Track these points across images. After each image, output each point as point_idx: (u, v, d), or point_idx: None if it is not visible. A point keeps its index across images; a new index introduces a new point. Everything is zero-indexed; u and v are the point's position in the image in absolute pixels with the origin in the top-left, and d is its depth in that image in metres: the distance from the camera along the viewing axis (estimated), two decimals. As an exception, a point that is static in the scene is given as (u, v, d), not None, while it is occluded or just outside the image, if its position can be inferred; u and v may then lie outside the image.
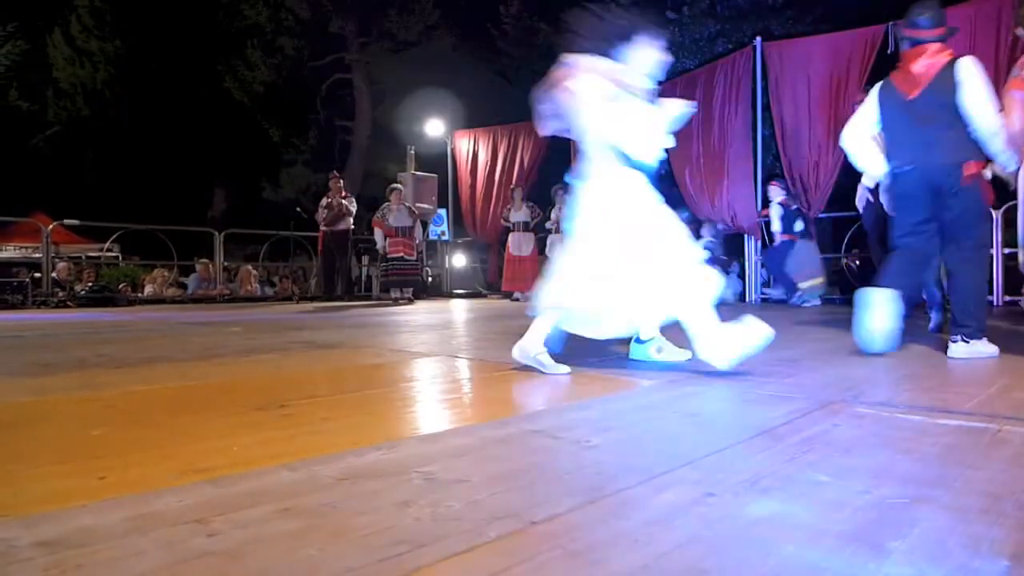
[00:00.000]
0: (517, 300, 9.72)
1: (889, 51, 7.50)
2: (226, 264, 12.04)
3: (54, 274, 10.10)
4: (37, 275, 10.26)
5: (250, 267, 12.39)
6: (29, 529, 0.96)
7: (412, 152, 12.54)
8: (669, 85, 9.78)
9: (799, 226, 7.95)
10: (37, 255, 11.90)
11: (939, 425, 1.62)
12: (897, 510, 1.04)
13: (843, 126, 7.86)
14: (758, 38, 8.75)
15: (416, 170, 12.13)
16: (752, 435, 1.52)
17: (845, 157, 8.03)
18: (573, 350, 3.34)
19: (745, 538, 0.92)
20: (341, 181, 10.07)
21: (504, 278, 10.23)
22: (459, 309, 7.89)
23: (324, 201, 9.91)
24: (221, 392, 2.17)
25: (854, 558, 0.86)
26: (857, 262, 11.45)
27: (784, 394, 2.03)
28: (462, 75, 17.56)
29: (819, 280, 7.92)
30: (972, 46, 6.92)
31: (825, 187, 8.10)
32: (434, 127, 13.07)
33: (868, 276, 11.48)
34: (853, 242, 9.16)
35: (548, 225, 9.86)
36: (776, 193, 8.01)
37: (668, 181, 10.18)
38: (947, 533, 0.94)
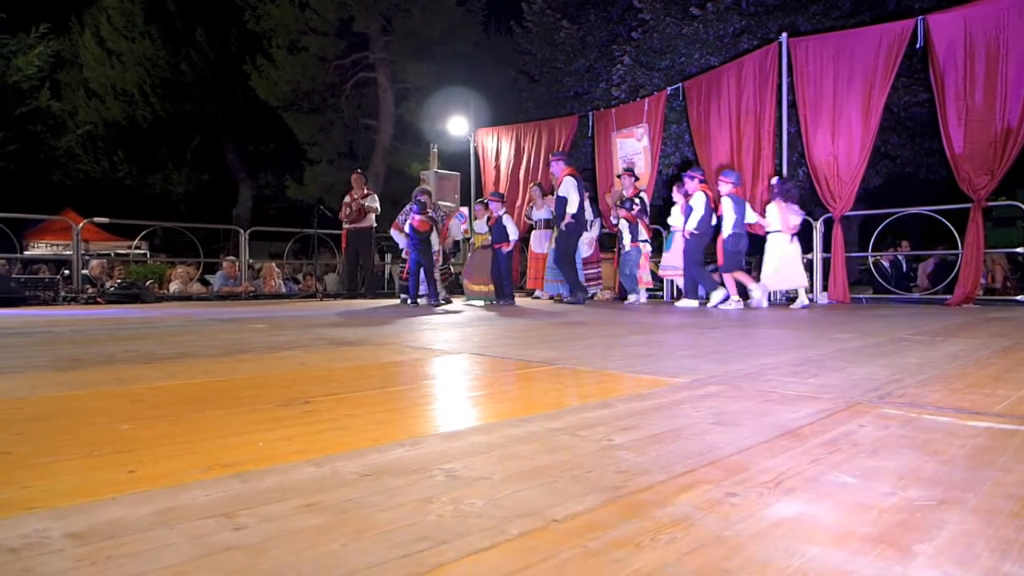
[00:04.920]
0: (538, 298, 9.72)
1: (918, 46, 7.38)
2: (251, 262, 12.19)
3: (86, 271, 10.30)
4: (66, 272, 10.48)
5: (274, 264, 12.53)
6: (61, 521, 0.98)
7: (435, 150, 12.59)
8: (694, 82, 9.72)
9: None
10: (68, 252, 12.14)
11: (968, 427, 1.59)
12: (924, 512, 1.02)
13: (871, 123, 7.98)
14: (784, 34, 8.65)
15: (439, 168, 12.18)
16: (776, 435, 1.51)
17: (871, 155, 8.00)
18: (595, 350, 3.34)
19: (768, 539, 0.91)
20: (365, 178, 10.14)
21: (527, 276, 10.24)
22: (481, 307, 7.91)
23: (347, 199, 9.98)
24: (246, 388, 2.20)
25: (880, 560, 0.85)
26: (887, 262, 11.31)
27: (809, 394, 2.01)
28: (485, 73, 17.58)
29: None
30: (1003, 42, 6.79)
31: (852, 185, 7.99)
32: (457, 125, 13.10)
33: (899, 275, 11.34)
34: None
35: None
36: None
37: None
38: (975, 536, 0.93)
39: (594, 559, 0.85)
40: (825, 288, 8.40)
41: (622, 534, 0.93)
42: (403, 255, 8.73)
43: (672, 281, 9.68)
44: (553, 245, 8.92)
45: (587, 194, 9.74)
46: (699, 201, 7.57)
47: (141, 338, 3.95)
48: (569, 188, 8.06)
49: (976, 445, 1.43)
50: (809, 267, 9.25)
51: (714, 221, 7.56)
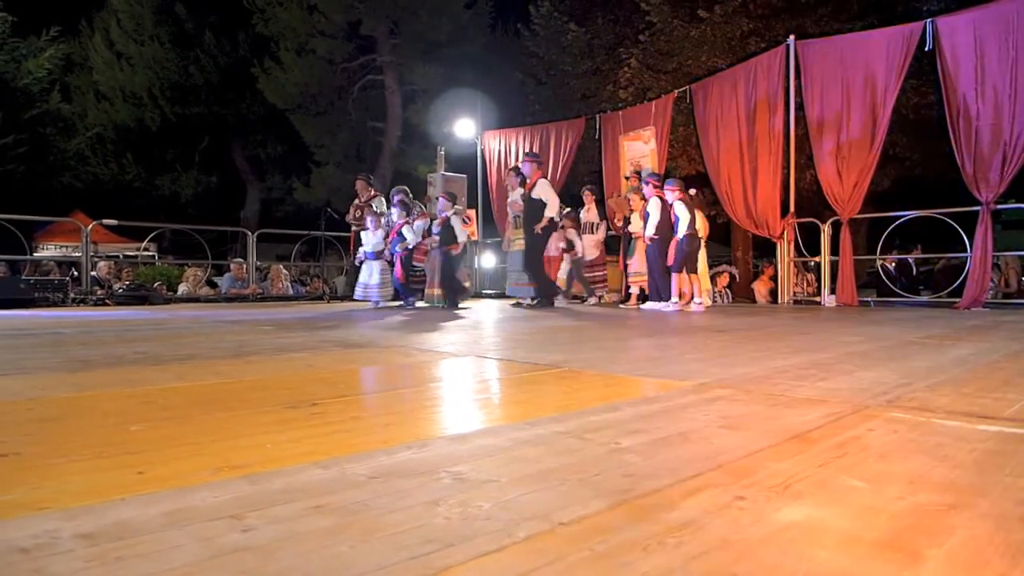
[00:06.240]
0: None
1: (927, 48, 7.35)
2: (258, 264, 12.23)
3: (94, 272, 10.35)
4: (75, 274, 10.54)
5: (281, 266, 12.57)
6: (70, 521, 0.99)
7: (442, 152, 12.61)
8: (701, 85, 9.70)
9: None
10: (77, 254, 12.21)
11: (978, 431, 1.58)
12: (934, 517, 1.02)
13: (880, 125, 7.96)
14: (792, 36, 8.63)
15: (446, 170, 12.19)
16: (784, 439, 1.51)
17: (879, 157, 7.98)
18: (602, 353, 3.34)
19: (776, 543, 0.91)
20: (369, 180, 10.13)
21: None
22: (488, 309, 7.91)
23: (356, 201, 10.00)
24: (254, 390, 2.21)
25: (889, 565, 0.85)
26: (891, 264, 11.25)
27: (817, 398, 2.00)
28: (492, 76, 17.59)
29: None
30: (1013, 45, 6.76)
31: (860, 187, 7.96)
32: (464, 127, 13.11)
33: (907, 278, 11.26)
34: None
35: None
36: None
37: (703, 181, 10.11)
38: (986, 541, 0.92)
39: (601, 562, 0.85)
40: (833, 291, 8.36)
41: (629, 538, 0.93)
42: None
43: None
44: (516, 248, 8.55)
45: (594, 197, 9.77)
46: (654, 207, 7.73)
47: (150, 340, 3.97)
48: (548, 191, 7.98)
49: (986, 450, 1.42)
50: (816, 270, 9.22)
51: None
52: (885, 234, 9.02)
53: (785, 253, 8.78)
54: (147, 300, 9.46)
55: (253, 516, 1.00)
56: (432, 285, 8.55)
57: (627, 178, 9.77)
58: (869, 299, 9.11)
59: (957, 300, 7.45)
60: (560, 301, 9.01)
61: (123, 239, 17.23)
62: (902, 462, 1.33)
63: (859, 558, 0.87)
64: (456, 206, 8.66)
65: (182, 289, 11.20)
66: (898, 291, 9.70)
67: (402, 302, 8.44)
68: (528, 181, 8.13)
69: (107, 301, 9.23)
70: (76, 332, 4.56)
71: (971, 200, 7.21)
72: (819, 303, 8.63)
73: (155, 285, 10.47)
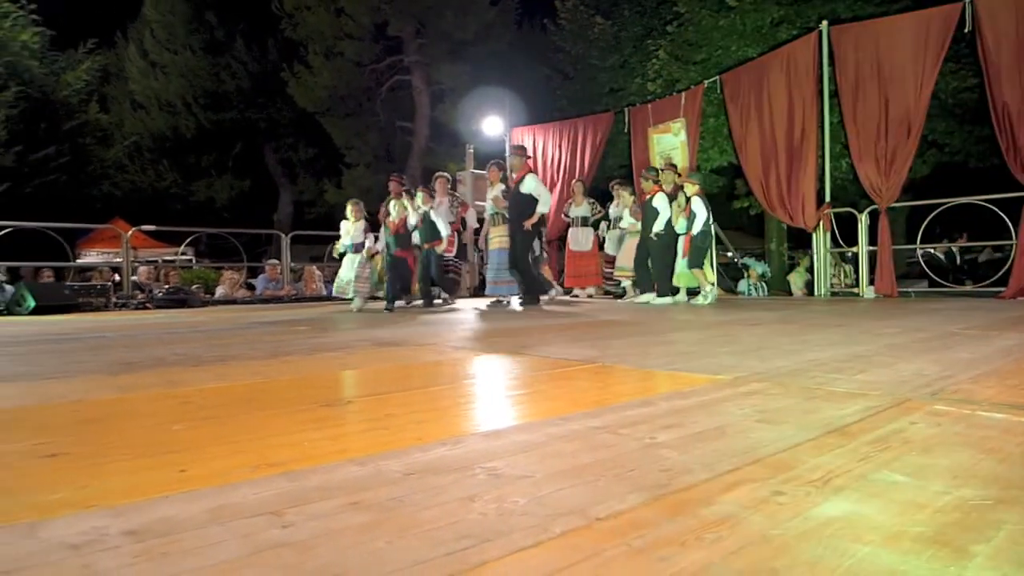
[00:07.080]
0: (576, 297, 9.68)
1: (965, 30, 7.14)
2: (292, 265, 12.42)
3: (135, 277, 10.61)
4: (117, 278, 10.81)
5: (314, 267, 12.74)
6: (117, 518, 1.01)
7: (471, 150, 12.63)
8: (732, 75, 9.57)
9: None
10: (118, 260, 12.52)
11: (1026, 423, 1.54)
12: (980, 512, 0.99)
13: (918, 111, 7.74)
14: (824, 22, 8.46)
15: (475, 168, 12.22)
16: (822, 432, 1.48)
17: (919, 145, 7.76)
18: (636, 348, 3.32)
19: (817, 538, 0.90)
20: (404, 181, 10.18)
21: (565, 274, 10.19)
22: (518, 306, 7.91)
23: (390, 202, 10.06)
24: (290, 389, 2.24)
25: (934, 561, 0.83)
26: (942, 253, 10.95)
27: (856, 391, 1.96)
28: (519, 72, 17.57)
29: None
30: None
31: (898, 175, 7.78)
32: (492, 125, 13.11)
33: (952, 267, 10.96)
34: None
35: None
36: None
37: (735, 172, 9.97)
38: (1036, 536, 0.90)
39: (638, 558, 0.84)
40: (872, 281, 8.18)
41: (666, 533, 0.92)
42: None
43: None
44: (500, 244, 8.11)
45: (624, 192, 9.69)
46: (662, 202, 7.53)
47: (189, 342, 4.05)
48: (539, 186, 7.68)
49: (1035, 441, 1.38)
50: (854, 261, 9.05)
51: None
52: (925, 223, 8.80)
53: (821, 244, 8.62)
54: (186, 303, 9.66)
55: (292, 513, 1.02)
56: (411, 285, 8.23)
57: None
58: (910, 289, 8.90)
59: (1002, 290, 7.24)
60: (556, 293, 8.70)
61: (161, 244, 17.62)
62: (946, 456, 1.29)
63: (902, 554, 0.85)
64: (436, 199, 8.40)
65: (219, 291, 11.42)
66: (941, 281, 9.45)
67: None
68: (514, 176, 7.77)
69: (147, 305, 9.45)
70: (118, 336, 4.68)
71: (1016, 186, 6.99)
72: (857, 295, 8.46)
73: (193, 288, 10.69)
